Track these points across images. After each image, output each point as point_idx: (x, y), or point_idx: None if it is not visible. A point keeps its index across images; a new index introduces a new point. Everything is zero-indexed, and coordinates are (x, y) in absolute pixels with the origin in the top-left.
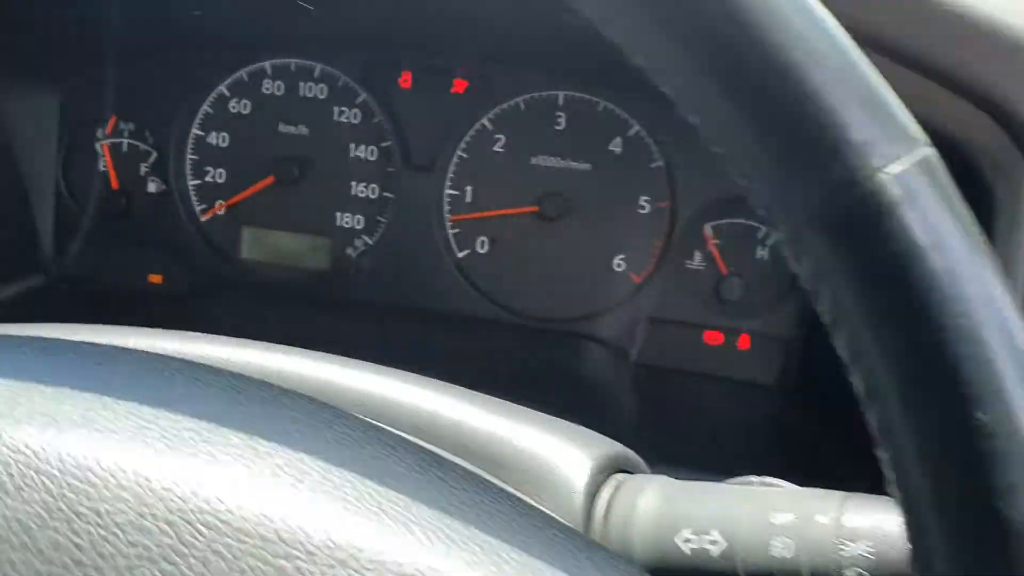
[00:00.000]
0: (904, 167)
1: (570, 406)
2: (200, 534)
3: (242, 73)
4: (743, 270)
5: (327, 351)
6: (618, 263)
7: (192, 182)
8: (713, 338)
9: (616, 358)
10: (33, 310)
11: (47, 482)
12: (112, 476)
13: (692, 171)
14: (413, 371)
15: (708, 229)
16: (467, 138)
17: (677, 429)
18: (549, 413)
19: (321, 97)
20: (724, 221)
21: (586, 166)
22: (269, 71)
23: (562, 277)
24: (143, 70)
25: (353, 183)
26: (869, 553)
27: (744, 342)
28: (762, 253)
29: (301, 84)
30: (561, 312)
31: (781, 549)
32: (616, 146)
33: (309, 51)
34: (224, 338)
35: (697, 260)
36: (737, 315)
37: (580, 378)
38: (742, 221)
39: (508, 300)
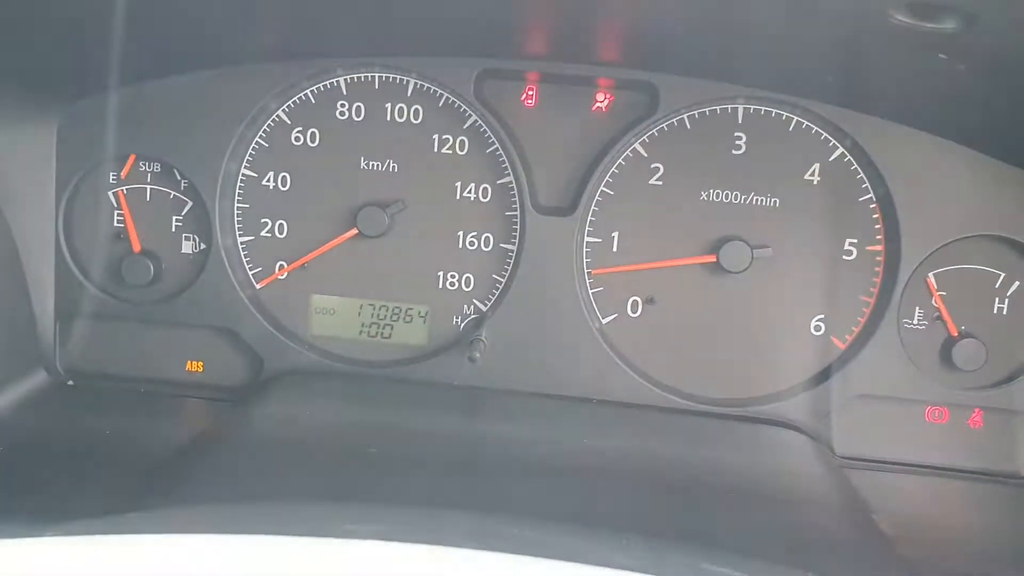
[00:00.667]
0: None
1: (759, 515)
2: None
3: (307, 92)
4: (978, 329)
5: (426, 463)
6: (816, 325)
7: (243, 239)
8: (936, 415)
9: (815, 450)
10: (38, 416)
11: None
12: None
13: (915, 206)
14: (544, 491)
15: (932, 279)
16: (613, 169)
17: (903, 537)
18: (734, 528)
19: (416, 121)
20: (952, 267)
21: (774, 202)
22: (344, 88)
23: (743, 346)
24: (169, 90)
25: (460, 233)
26: None
27: (976, 420)
28: (1001, 306)
29: (389, 105)
30: (742, 391)
31: None
32: (813, 175)
33: (397, 60)
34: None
35: (918, 318)
36: (968, 386)
37: (769, 478)
38: (975, 267)
39: (670, 378)
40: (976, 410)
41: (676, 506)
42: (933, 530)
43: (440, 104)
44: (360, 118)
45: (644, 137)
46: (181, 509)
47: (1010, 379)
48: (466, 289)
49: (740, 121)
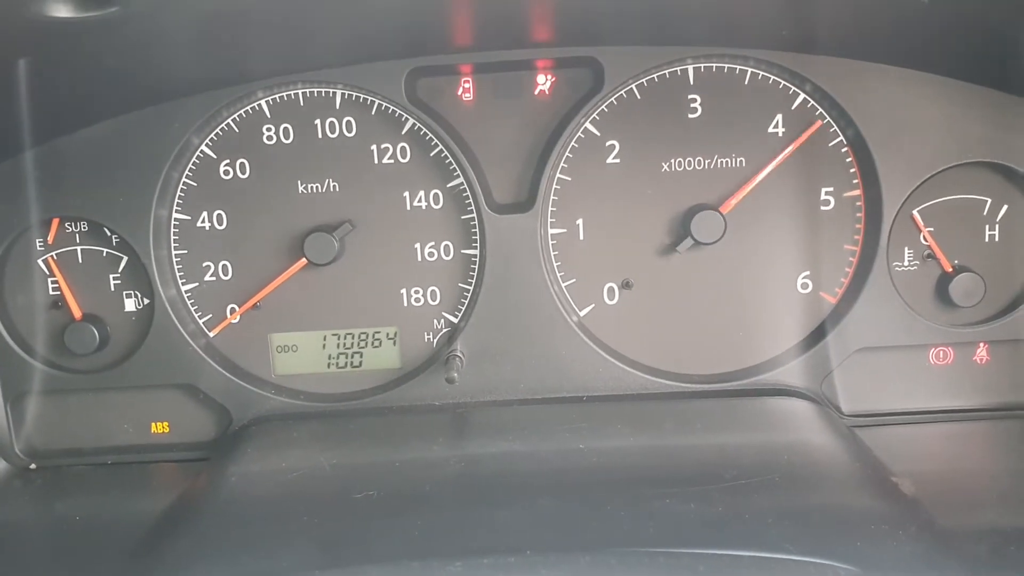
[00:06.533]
0: None
1: (775, 502)
2: None
3: (229, 121)
4: (972, 261)
5: (427, 501)
6: (803, 283)
7: (187, 287)
8: (941, 357)
9: (821, 415)
10: (2, 508)
11: None
12: None
13: (889, 142)
14: (556, 513)
15: (918, 215)
16: (567, 154)
17: (928, 498)
18: (753, 521)
19: (350, 134)
20: (937, 201)
21: (739, 161)
22: (267, 111)
23: (730, 316)
24: (81, 144)
25: (417, 245)
26: None
27: (982, 356)
28: (992, 233)
29: (318, 121)
30: (735, 363)
31: None
32: (777, 126)
33: (320, 73)
34: None
35: (908, 259)
36: (970, 321)
37: (780, 455)
38: (960, 196)
39: (659, 362)
40: (981, 345)
41: (693, 503)
42: (956, 483)
43: (373, 112)
44: (289, 140)
45: (594, 115)
46: None
47: (1012, 307)
48: (433, 303)
49: (692, 83)
